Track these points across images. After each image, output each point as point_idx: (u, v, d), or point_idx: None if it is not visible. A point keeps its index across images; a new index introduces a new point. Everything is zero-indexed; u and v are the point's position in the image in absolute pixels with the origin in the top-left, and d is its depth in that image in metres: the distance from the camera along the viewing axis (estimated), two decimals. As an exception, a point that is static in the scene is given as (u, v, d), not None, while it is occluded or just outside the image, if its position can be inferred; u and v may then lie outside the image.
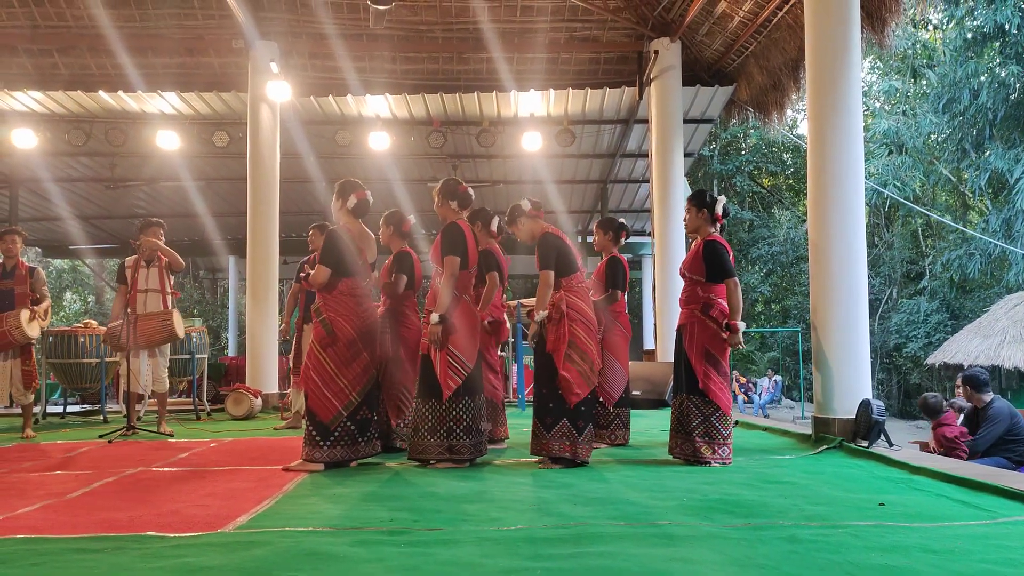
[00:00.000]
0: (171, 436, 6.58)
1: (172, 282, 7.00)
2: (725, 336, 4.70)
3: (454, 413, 4.61)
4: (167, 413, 7.15)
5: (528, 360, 10.57)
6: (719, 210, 4.87)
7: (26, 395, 6.70)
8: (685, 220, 5.01)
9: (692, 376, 4.75)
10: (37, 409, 8.43)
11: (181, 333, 6.91)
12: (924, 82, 25.11)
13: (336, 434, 4.61)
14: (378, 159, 12.16)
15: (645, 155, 12.39)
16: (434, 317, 4.57)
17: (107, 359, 8.39)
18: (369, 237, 4.99)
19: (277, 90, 9.80)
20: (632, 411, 6.14)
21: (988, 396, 6.36)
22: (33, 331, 6.59)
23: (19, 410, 7.16)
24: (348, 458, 4.67)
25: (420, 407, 4.70)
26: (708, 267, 4.75)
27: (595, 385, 4.76)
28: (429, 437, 4.63)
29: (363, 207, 4.92)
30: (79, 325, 8.77)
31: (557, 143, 11.44)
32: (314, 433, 4.62)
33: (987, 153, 22.14)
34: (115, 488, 4.11)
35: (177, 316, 6.83)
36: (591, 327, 4.69)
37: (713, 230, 4.88)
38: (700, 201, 4.89)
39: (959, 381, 6.72)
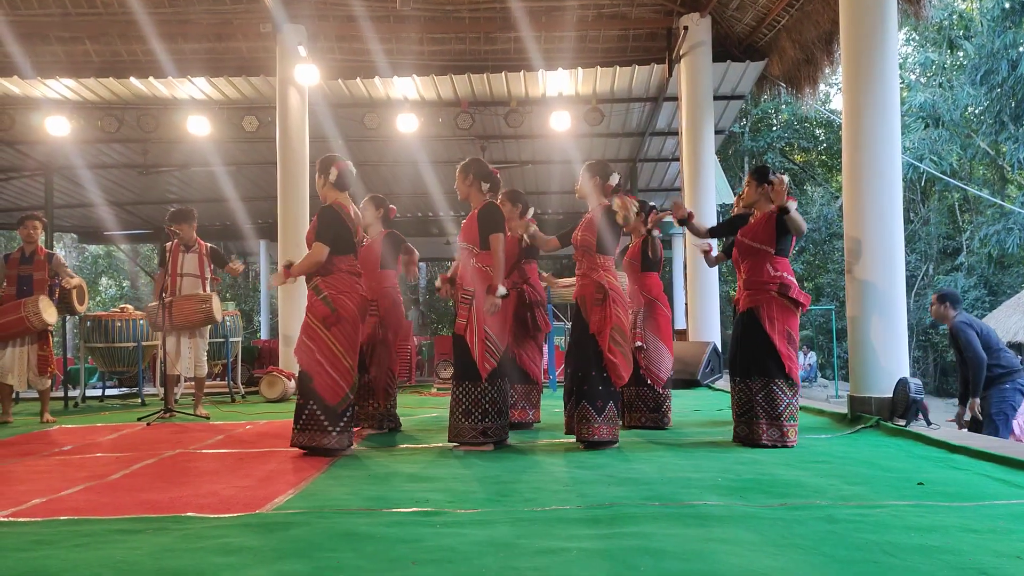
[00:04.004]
0: (207, 418, 6.69)
1: (212, 269, 7.08)
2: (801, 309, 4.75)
3: (490, 395, 4.60)
4: (203, 396, 7.26)
5: (559, 341, 10.55)
6: None
7: (42, 380, 6.78)
8: (743, 195, 5.02)
9: (778, 360, 4.66)
10: (76, 393, 8.62)
11: (219, 318, 7.04)
12: (961, 53, 24.51)
13: (346, 417, 4.49)
14: (406, 141, 12.14)
15: (675, 133, 12.25)
16: (502, 290, 4.54)
17: (144, 343, 8.53)
18: (358, 215, 4.95)
19: (305, 73, 9.82)
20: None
21: (958, 314, 6.38)
22: (51, 317, 6.69)
23: (57, 394, 7.29)
24: (350, 443, 4.58)
25: (455, 390, 4.69)
26: (779, 233, 4.72)
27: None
28: (464, 420, 4.62)
29: (343, 179, 4.70)
30: (116, 310, 8.91)
31: (586, 122, 11.32)
32: (322, 418, 4.41)
33: (1026, 125, 21.63)
34: (155, 470, 4.18)
35: (216, 301, 6.94)
36: (626, 308, 4.71)
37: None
38: (762, 176, 4.87)
39: (933, 298, 6.60)
